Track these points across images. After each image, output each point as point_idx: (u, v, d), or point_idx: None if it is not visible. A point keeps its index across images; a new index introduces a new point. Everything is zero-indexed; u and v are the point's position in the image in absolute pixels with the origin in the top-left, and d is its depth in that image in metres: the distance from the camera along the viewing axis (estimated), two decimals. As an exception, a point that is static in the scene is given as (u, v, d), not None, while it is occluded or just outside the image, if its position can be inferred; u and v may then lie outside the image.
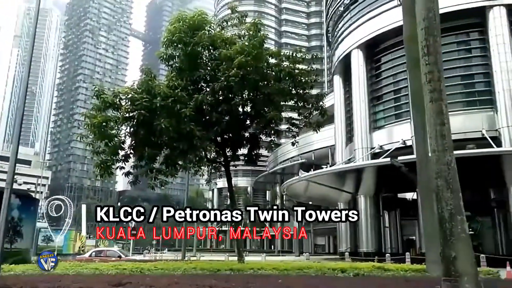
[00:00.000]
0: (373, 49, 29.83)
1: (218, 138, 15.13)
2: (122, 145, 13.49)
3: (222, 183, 67.14)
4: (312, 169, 39.19)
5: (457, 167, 6.39)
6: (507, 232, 24.84)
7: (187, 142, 13.04)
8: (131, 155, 13.79)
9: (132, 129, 13.45)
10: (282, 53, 15.15)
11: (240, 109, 14.83)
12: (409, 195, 30.27)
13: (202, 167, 17.34)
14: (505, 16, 24.23)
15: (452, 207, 6.19)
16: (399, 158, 21.61)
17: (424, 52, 6.88)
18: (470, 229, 16.06)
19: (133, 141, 13.77)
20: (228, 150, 15.67)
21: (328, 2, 36.03)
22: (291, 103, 15.36)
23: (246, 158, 15.99)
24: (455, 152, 6.63)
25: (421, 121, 10.45)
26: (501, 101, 23.35)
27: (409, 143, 23.85)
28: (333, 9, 33.96)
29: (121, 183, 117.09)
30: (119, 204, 69.63)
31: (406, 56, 10.08)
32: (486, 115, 24.13)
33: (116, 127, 13.30)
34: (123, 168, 13.79)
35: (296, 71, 14.41)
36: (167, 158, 14.24)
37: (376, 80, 29.98)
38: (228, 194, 15.88)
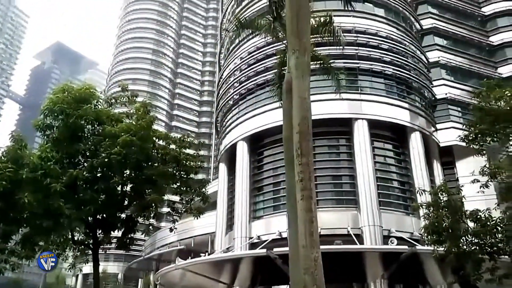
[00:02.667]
0: (257, 142, 31.83)
1: (90, 218, 13.99)
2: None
3: (89, 268, 60.31)
4: (190, 257, 37.84)
5: (325, 261, 6.81)
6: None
7: (53, 220, 11.81)
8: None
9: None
10: (170, 136, 15.29)
11: (119, 189, 14.15)
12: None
13: (67, 250, 15.58)
14: (366, 127, 28.25)
15: (316, 302, 6.45)
16: (275, 249, 22.18)
17: (297, 153, 7.59)
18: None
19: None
20: (99, 232, 14.48)
21: (219, 95, 38.24)
22: (174, 186, 15.19)
23: (118, 243, 14.88)
24: (324, 247, 7.10)
25: (294, 216, 11.09)
26: (363, 202, 26.20)
27: (285, 234, 24.83)
28: (223, 102, 36.04)
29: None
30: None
31: (284, 154, 10.92)
32: (351, 214, 26.66)
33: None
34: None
35: (182, 155, 14.54)
36: (25, 237, 12.59)
37: (258, 172, 31.55)
38: (93, 281, 14.31)
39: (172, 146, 14.74)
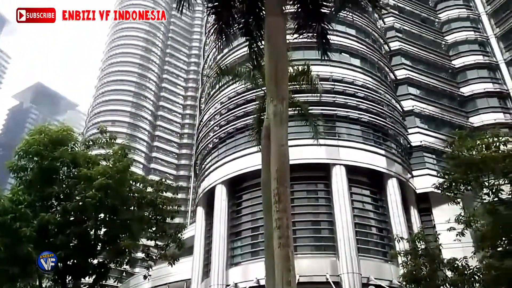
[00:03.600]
0: (236, 186, 31.67)
1: (60, 264, 13.39)
2: None
3: (55, 317, 56.87)
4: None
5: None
6: None
7: (20, 266, 11.27)
8: None
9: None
10: (147, 180, 15.11)
11: (92, 233, 13.71)
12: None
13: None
14: (344, 173, 28.57)
15: None
16: (252, 297, 21.54)
17: (275, 200, 7.60)
18: None
19: None
20: (69, 279, 13.83)
21: (199, 138, 38.35)
22: (149, 231, 14.83)
23: (89, 290, 14.21)
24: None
25: (272, 264, 10.91)
26: (341, 248, 25.99)
27: (262, 282, 24.21)
28: (203, 145, 36.09)
29: None
30: None
31: (262, 199, 10.91)
32: (330, 260, 26.33)
33: None
34: None
35: (159, 199, 14.32)
36: (-12, 285, 11.91)
37: (236, 216, 31.16)
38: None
39: (149, 189, 14.54)
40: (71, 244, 12.80)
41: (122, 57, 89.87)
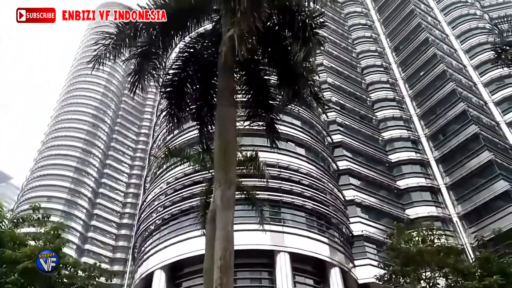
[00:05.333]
0: (177, 273, 29.97)
1: None
2: None
3: None
4: None
5: None
6: None
7: None
8: None
9: None
10: (79, 263, 13.99)
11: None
12: None
13: None
14: (289, 261, 28.16)
15: None
16: None
17: (217, 289, 7.29)
18: None
19: None
20: None
21: (140, 219, 36.78)
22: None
23: None
24: None
25: None
26: None
27: None
28: (144, 226, 34.53)
29: None
30: None
31: (204, 287, 10.41)
32: None
33: None
34: None
35: (90, 287, 13.19)
36: None
37: (174, 306, 29.10)
38: None
39: (81, 274, 13.40)
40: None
41: (66, 132, 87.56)
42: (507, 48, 12.61)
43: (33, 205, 14.38)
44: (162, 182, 34.87)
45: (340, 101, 47.14)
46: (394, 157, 45.14)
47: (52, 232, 12.82)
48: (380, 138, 46.96)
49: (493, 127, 44.42)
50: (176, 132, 36.68)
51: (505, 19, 13.38)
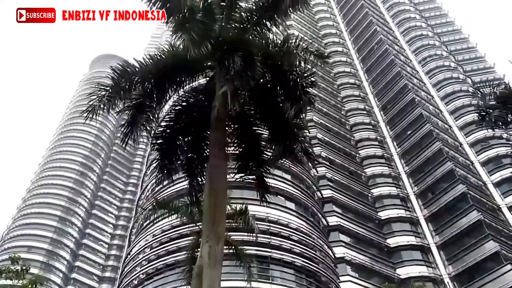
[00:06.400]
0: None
1: None
2: None
3: None
4: None
5: None
6: None
7: None
8: None
9: None
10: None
11: None
12: None
13: None
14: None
15: None
16: None
17: None
18: None
19: None
20: None
21: (123, 273, 35.50)
22: None
23: None
24: None
25: None
26: None
27: None
28: (127, 281, 33.19)
29: None
30: None
31: None
32: None
33: None
34: None
35: None
36: None
37: None
38: None
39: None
40: None
41: (53, 179, 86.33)
42: (490, 111, 13.12)
43: (13, 256, 13.84)
44: (148, 234, 34.06)
45: (330, 157, 47.62)
46: (383, 214, 44.92)
47: (29, 286, 12.25)
48: (370, 195, 46.98)
49: (480, 186, 44.86)
50: (165, 182, 36.51)
51: (487, 83, 14.04)
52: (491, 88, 13.34)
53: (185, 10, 9.69)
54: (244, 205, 15.35)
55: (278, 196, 35.13)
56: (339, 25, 76.48)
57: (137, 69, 10.81)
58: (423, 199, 46.03)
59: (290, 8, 10.89)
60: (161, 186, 35.54)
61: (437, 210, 43.29)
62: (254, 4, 11.11)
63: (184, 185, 17.75)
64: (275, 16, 11.04)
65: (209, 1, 9.91)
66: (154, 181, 39.92)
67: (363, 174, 49.57)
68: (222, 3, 11.01)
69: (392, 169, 50.43)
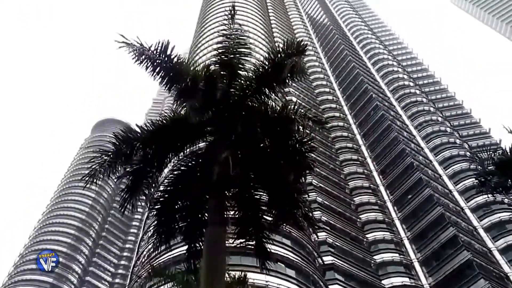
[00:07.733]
0: None
1: None
2: None
3: None
4: None
5: None
6: None
7: None
8: None
9: None
10: None
11: None
12: None
13: None
14: None
15: None
16: None
17: None
18: None
19: None
20: None
21: None
22: None
23: None
24: None
25: None
26: None
27: None
28: None
29: None
30: None
31: None
32: None
33: None
34: None
35: None
36: None
37: None
38: None
39: None
40: None
41: (46, 244, 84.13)
42: (490, 177, 13.15)
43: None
44: (143, 304, 32.51)
45: (330, 221, 46.82)
46: (387, 283, 43.24)
47: None
48: (372, 262, 45.54)
49: (485, 253, 43.67)
50: (162, 247, 35.56)
51: (484, 149, 14.20)
52: (488, 153, 13.46)
53: (188, 80, 10.06)
54: (243, 273, 14.85)
55: (278, 263, 34.06)
56: (336, 91, 78.91)
57: (138, 135, 10.97)
58: (427, 267, 44.56)
59: (289, 78, 11.28)
60: (157, 252, 34.64)
61: (442, 278, 41.76)
62: (254, 73, 11.53)
63: (181, 251, 17.33)
64: (274, 84, 11.42)
65: (211, 71, 10.31)
66: (150, 246, 38.89)
67: (365, 239, 48.44)
68: (222, 72, 11.44)
69: (394, 234, 49.38)
